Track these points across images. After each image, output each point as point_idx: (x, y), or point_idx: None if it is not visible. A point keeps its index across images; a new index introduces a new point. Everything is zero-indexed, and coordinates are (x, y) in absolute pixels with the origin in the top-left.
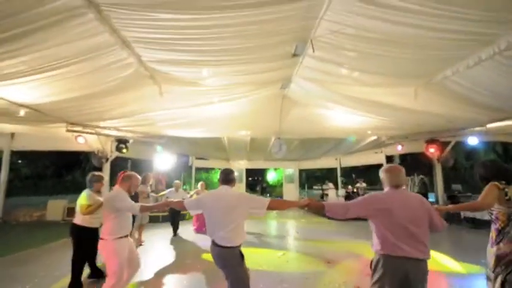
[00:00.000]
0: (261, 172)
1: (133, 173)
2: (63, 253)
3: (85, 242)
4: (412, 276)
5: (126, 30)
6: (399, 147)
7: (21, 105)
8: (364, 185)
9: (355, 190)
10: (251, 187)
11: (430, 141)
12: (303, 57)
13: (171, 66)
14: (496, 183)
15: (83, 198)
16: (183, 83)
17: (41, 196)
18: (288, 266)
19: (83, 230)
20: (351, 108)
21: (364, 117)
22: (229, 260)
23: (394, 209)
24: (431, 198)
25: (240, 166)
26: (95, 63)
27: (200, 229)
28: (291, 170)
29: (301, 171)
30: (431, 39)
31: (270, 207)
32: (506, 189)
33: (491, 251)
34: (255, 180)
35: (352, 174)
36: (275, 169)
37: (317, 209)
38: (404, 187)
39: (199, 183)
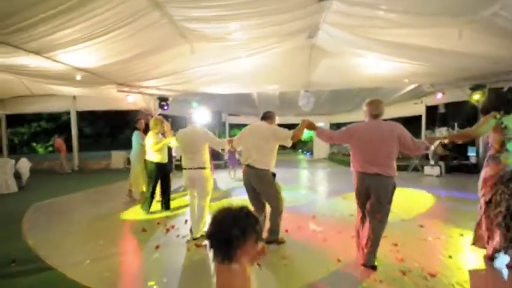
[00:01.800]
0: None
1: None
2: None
3: (158, 173)
4: (373, 187)
5: None
6: (439, 96)
7: (81, 70)
8: None
9: None
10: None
11: (475, 88)
12: (330, 1)
13: (200, 23)
14: (494, 113)
15: (152, 139)
16: (212, 39)
17: (103, 151)
18: (314, 202)
19: (154, 164)
20: (386, 55)
21: (401, 63)
22: (264, 178)
23: (363, 134)
24: (472, 152)
25: None
26: (134, 27)
27: None
28: (322, 124)
29: (332, 125)
30: None
31: (293, 138)
32: (503, 119)
33: (480, 176)
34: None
35: None
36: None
37: (312, 128)
38: (381, 118)
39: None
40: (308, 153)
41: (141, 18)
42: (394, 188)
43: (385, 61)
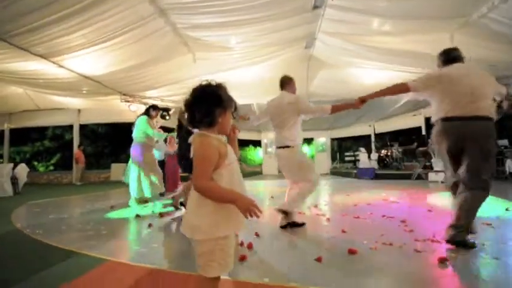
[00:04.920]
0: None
1: None
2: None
3: None
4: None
5: None
6: None
7: (87, 78)
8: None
9: (388, 153)
10: None
11: None
12: (324, 8)
13: (202, 31)
14: None
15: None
16: (213, 47)
17: (103, 169)
18: None
19: None
20: (381, 62)
21: (397, 71)
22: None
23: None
24: None
25: (271, 137)
26: (139, 33)
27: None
28: (323, 139)
29: (333, 140)
30: None
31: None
32: None
33: None
34: None
35: (387, 138)
36: (308, 144)
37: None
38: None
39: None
40: None
41: (146, 25)
42: None
43: (382, 70)
